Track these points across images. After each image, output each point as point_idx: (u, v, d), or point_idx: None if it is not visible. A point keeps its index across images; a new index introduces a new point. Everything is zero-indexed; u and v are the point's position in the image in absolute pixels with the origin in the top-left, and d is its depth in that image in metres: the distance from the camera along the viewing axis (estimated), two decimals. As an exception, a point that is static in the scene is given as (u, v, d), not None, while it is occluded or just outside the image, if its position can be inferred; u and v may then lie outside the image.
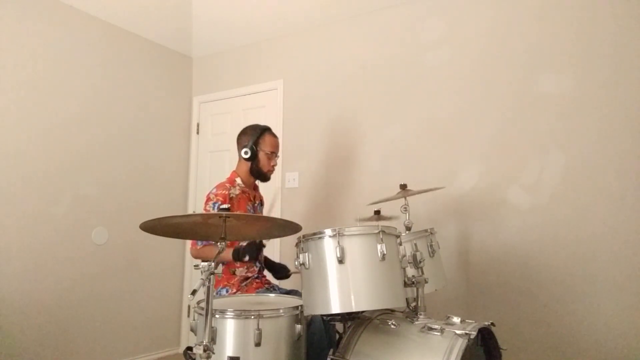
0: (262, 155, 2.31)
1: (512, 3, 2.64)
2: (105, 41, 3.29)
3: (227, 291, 2.16)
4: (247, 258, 2.05)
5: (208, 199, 2.21)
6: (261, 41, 3.63)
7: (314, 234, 1.55)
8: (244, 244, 2.13)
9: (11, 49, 2.76)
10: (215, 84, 3.85)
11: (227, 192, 2.21)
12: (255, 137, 2.31)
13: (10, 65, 2.76)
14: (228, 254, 2.09)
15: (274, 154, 2.35)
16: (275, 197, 3.25)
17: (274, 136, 2.37)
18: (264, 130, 2.35)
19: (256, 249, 2.08)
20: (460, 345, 1.42)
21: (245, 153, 2.30)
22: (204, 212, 2.18)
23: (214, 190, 2.23)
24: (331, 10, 3.20)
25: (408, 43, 2.96)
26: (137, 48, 3.51)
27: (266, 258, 2.43)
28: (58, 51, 2.99)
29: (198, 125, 3.90)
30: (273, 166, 2.36)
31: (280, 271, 2.39)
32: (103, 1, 3.17)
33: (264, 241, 2.19)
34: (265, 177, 2.37)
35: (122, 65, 3.39)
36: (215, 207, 2.15)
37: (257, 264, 2.35)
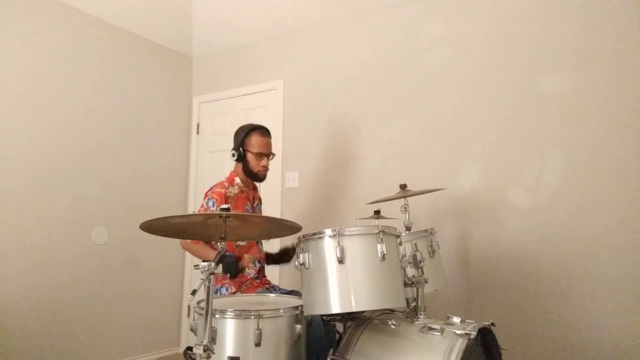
0: (249, 156, 2.27)
1: (512, 3, 2.64)
2: (106, 41, 3.29)
3: (227, 289, 2.16)
4: (227, 274, 2.04)
5: (205, 196, 2.22)
6: (261, 41, 3.63)
7: (314, 234, 1.55)
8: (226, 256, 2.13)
9: (11, 49, 2.76)
10: (215, 84, 3.84)
11: (224, 191, 2.20)
12: (241, 138, 2.28)
13: (10, 65, 2.75)
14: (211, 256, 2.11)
15: (262, 154, 2.27)
16: None
17: (262, 135, 2.28)
18: (252, 130, 2.28)
19: (225, 265, 2.03)
20: (460, 345, 1.42)
21: (233, 155, 2.28)
22: (200, 208, 2.19)
23: (212, 188, 2.24)
24: (331, 10, 3.20)
25: (408, 43, 2.95)
26: (137, 48, 3.51)
27: (267, 254, 2.42)
28: (58, 51, 2.99)
29: (198, 125, 3.90)
30: (264, 166, 2.29)
31: (285, 255, 2.36)
32: (103, 1, 3.16)
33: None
34: (257, 178, 2.31)
35: (122, 66, 3.39)
36: (210, 204, 2.15)
37: (257, 263, 2.34)
